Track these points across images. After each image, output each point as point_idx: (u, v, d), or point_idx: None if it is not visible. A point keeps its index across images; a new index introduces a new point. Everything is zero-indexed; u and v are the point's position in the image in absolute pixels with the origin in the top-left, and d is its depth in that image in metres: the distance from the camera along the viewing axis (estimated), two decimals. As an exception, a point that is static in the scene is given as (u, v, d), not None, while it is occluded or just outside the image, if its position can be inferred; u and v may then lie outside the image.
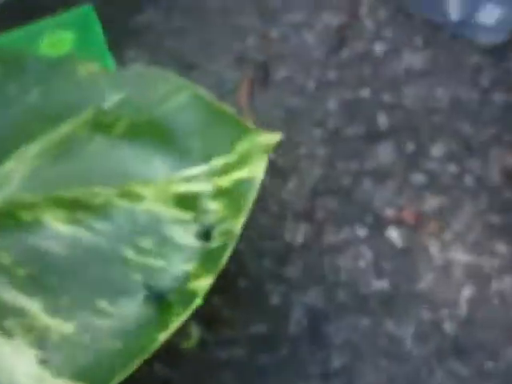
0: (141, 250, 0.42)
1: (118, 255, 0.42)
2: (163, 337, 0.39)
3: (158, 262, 0.41)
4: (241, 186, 0.46)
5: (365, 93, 0.92)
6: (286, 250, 0.69)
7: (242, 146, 0.47)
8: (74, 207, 0.44)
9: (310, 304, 0.73)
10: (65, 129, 0.51)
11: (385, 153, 0.87)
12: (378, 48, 0.96)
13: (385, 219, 0.80)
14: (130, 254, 0.41)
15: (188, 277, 0.41)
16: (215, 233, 0.44)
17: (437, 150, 0.87)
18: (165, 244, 0.43)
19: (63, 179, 0.47)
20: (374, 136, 0.88)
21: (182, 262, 0.42)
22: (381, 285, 0.75)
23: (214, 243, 0.43)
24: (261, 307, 0.65)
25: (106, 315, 0.37)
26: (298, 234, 0.70)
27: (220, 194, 0.46)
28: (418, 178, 0.84)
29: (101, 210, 0.44)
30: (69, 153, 0.49)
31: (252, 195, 0.44)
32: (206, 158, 0.48)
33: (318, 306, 0.73)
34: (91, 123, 0.51)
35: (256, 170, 0.45)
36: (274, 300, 0.71)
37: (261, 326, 0.69)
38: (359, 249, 0.77)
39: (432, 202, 0.81)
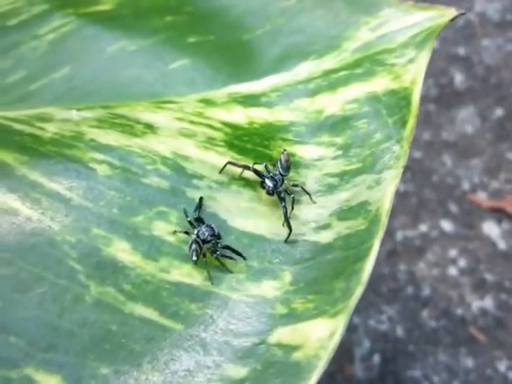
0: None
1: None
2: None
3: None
4: (370, 110, 0.21)
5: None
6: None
7: (372, 33, 0.23)
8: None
9: (381, 332, 0.49)
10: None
11: (466, 120, 0.65)
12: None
13: (478, 208, 0.56)
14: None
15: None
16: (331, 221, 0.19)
17: (533, 118, 0.65)
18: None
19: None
20: (449, 98, 0.65)
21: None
22: (483, 304, 0.51)
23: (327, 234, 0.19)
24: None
25: None
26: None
27: (323, 129, 0.22)
28: (515, 154, 0.62)
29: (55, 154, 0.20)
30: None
31: (407, 133, 0.20)
32: (292, 61, 0.24)
33: (394, 334, 0.49)
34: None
35: (408, 76, 0.21)
36: (328, 324, 0.48)
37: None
38: (446, 250, 0.54)
39: (539, 188, 0.58)
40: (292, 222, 0.20)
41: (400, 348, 0.49)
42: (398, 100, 0.21)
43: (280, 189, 0.21)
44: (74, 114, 0.23)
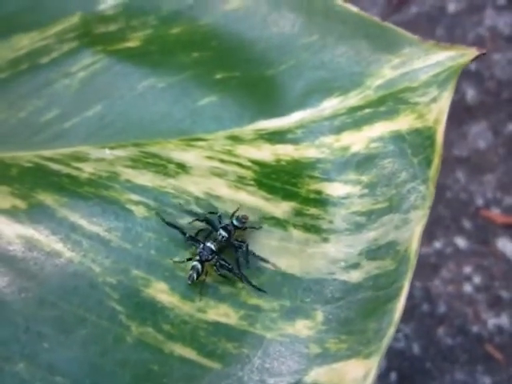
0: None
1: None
2: None
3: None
4: (395, 149, 0.22)
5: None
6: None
7: (395, 71, 0.24)
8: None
9: (397, 349, 0.49)
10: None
11: (478, 135, 0.65)
12: (452, 6, 0.75)
13: (491, 224, 0.57)
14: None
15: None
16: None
17: (545, 133, 0.66)
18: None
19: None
20: (461, 114, 0.66)
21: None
22: (499, 322, 0.51)
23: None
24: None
25: None
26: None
27: (349, 167, 0.22)
28: (528, 169, 0.62)
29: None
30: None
31: (432, 173, 0.20)
32: (317, 96, 0.24)
33: (411, 352, 0.49)
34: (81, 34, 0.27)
35: (432, 115, 0.22)
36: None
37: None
38: (461, 267, 0.54)
39: (552, 203, 0.59)
40: (321, 261, 0.20)
41: (417, 366, 0.49)
42: (422, 139, 0.22)
43: (232, 240, 0.21)
44: (107, 153, 0.23)
